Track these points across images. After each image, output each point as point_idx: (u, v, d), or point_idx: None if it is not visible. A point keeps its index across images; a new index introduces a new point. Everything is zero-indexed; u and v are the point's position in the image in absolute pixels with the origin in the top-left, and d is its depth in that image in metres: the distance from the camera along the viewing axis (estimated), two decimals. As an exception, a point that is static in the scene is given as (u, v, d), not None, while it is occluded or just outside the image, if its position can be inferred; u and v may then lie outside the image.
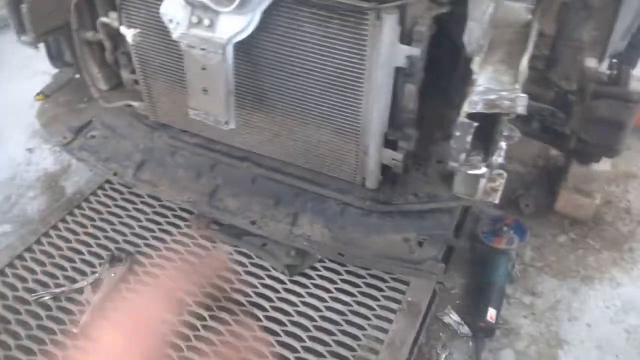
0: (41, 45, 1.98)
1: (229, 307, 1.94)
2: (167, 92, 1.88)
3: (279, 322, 1.90)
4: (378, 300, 1.97)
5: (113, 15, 1.77)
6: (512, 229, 2.20)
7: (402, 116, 1.61)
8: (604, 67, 2.28)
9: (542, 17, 1.94)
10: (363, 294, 1.99)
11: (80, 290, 1.99)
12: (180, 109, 1.79)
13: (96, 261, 2.10)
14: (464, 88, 1.67)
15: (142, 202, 2.31)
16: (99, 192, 2.37)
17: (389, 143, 1.69)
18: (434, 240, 1.74)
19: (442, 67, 1.88)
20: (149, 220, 2.25)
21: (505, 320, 2.02)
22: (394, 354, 1.75)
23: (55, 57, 2.13)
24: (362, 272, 2.03)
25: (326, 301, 1.97)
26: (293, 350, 1.81)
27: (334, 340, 1.83)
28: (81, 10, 1.87)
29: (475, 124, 1.31)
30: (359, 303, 1.96)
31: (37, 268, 2.05)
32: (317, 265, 2.07)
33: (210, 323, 1.88)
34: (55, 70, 2.28)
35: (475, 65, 1.45)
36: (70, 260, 2.11)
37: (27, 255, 2.14)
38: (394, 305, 1.95)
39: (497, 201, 1.69)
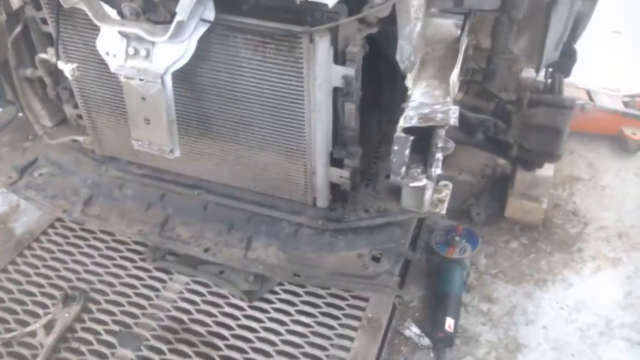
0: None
1: (188, 338, 1.91)
2: (111, 124, 1.87)
3: (240, 350, 1.88)
4: (339, 319, 1.97)
5: (51, 51, 1.76)
6: (464, 238, 2.25)
7: (345, 134, 1.65)
8: (541, 77, 2.40)
9: (477, 31, 2.03)
10: (324, 314, 1.99)
11: (33, 334, 1.92)
12: (125, 141, 1.78)
13: (49, 302, 2.05)
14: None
15: (95, 238, 2.27)
16: (50, 230, 2.32)
17: (336, 162, 1.72)
18: (388, 254, 1.76)
19: (383, 84, 1.94)
20: (102, 256, 2.21)
21: (464, 328, 2.05)
22: (356, 372, 1.76)
23: (-5, 96, 2.10)
24: (322, 291, 2.04)
25: (287, 324, 1.96)
26: (255, 376, 1.80)
27: (296, 363, 1.82)
28: (19, 47, 1.85)
29: (412, 138, 1.36)
30: (320, 324, 1.96)
31: (-13, 314, 1.99)
32: (277, 288, 2.06)
33: (170, 357, 1.85)
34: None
35: (408, 82, 1.51)
36: (22, 303, 2.05)
37: (-25, 300, 2.08)
38: (354, 323, 1.95)
39: (444, 212, 1.74)
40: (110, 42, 1.46)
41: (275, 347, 1.88)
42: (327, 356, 1.86)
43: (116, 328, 1.93)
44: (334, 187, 1.80)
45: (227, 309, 2.00)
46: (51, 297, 2.06)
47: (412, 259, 2.01)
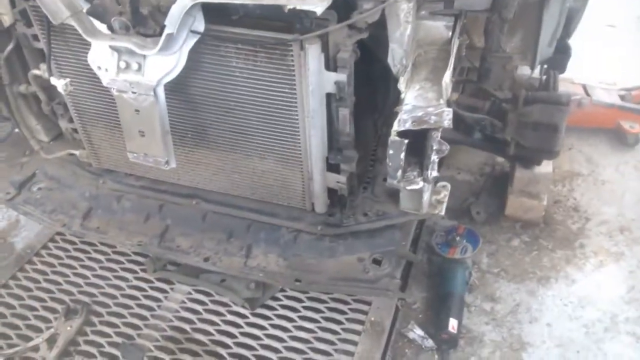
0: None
1: (192, 348, 1.91)
2: (107, 137, 1.87)
3: (244, 358, 1.88)
4: (342, 323, 1.97)
5: (43, 67, 1.76)
6: (465, 238, 2.24)
7: (340, 140, 1.64)
8: (537, 74, 2.39)
9: (471, 31, 2.03)
10: (327, 319, 1.99)
11: (35, 348, 1.93)
12: (122, 153, 1.78)
13: (51, 316, 2.05)
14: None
15: (96, 251, 2.27)
16: (50, 244, 2.32)
17: (332, 167, 1.72)
18: (389, 257, 1.76)
19: (377, 87, 1.94)
20: (103, 268, 2.21)
21: (468, 329, 2.04)
22: (360, 377, 1.75)
23: (-10, 113, 2.10)
24: (325, 297, 2.04)
25: (290, 331, 1.96)
26: (259, 384, 1.80)
27: (300, 370, 1.82)
28: (12, 64, 1.86)
29: (407, 141, 1.35)
30: (323, 329, 1.96)
31: (-12, 330, 1.99)
32: (279, 295, 2.06)
33: (173, 366, 1.85)
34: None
35: (401, 85, 1.50)
36: (24, 317, 2.06)
37: (-23, 317, 2.08)
38: (357, 327, 1.95)
39: (443, 212, 1.73)
40: (102, 56, 1.46)
41: (279, 354, 1.88)
42: (331, 361, 1.86)
43: (119, 340, 1.92)
44: (331, 192, 1.80)
45: (230, 317, 2.00)
46: (53, 311, 2.06)
47: (414, 260, 2.00)
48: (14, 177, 2.09)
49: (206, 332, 1.96)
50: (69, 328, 1.96)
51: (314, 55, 1.41)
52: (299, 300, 2.04)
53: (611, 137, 2.89)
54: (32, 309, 2.08)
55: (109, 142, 1.88)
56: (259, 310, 2.01)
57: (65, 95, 1.77)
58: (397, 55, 1.51)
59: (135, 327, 1.97)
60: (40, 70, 1.79)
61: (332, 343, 1.91)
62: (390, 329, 1.95)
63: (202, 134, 1.73)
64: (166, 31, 1.32)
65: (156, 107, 1.48)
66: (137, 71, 1.43)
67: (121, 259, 2.22)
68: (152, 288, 2.11)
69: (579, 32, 2.28)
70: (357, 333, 1.92)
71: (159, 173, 1.86)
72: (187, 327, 1.97)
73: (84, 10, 1.42)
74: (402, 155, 1.38)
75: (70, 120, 1.93)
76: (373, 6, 1.42)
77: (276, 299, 2.04)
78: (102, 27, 1.43)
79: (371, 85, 1.86)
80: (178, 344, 1.92)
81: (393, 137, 1.36)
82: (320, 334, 1.93)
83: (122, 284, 2.14)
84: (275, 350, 1.89)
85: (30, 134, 2.03)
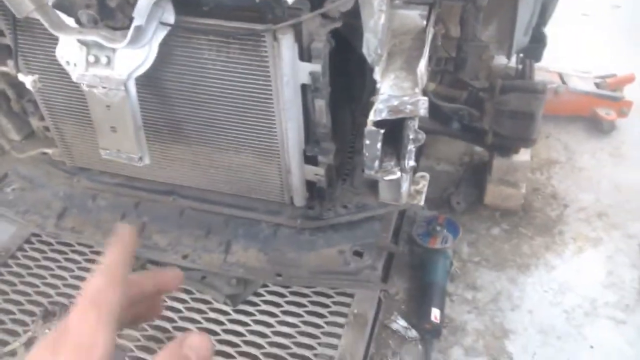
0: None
1: (173, 346, 1.89)
2: (79, 135, 1.83)
3: (227, 355, 1.86)
4: (325, 317, 1.96)
5: (11, 63, 1.71)
6: (445, 227, 2.25)
7: (317, 131, 1.63)
8: (512, 63, 2.40)
9: (446, 20, 2.02)
10: (310, 312, 1.97)
11: (13, 353, 1.89)
12: (95, 151, 1.74)
13: (29, 319, 2.01)
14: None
15: (73, 251, 2.23)
16: (26, 246, 2.27)
17: (310, 159, 1.70)
18: (369, 249, 1.75)
19: (353, 77, 1.92)
20: (81, 269, 2.17)
21: (451, 318, 2.05)
22: (344, 369, 1.75)
23: (-40, 112, 2.04)
24: (307, 290, 2.02)
25: (273, 326, 1.94)
26: (242, 381, 1.78)
27: (283, 365, 1.81)
28: (-22, 61, 1.80)
29: (382, 131, 1.34)
30: (307, 323, 1.95)
31: (-37, 335, 1.94)
32: (261, 290, 2.04)
33: (154, 366, 1.82)
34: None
35: (377, 75, 1.49)
36: (0, 322, 2.02)
37: (-49, 323, 2.03)
38: (341, 320, 1.94)
39: (422, 203, 1.73)
40: (70, 51, 1.42)
41: (263, 349, 1.87)
42: (315, 355, 1.85)
43: (98, 341, 1.89)
44: (310, 185, 1.78)
45: (212, 315, 1.97)
46: (31, 314, 2.02)
47: (395, 251, 2.00)
48: (-15, 178, 2.04)
49: (188, 330, 1.93)
50: (47, 331, 1.92)
51: (287, 45, 1.39)
52: (282, 295, 2.02)
53: (587, 124, 2.92)
54: (9, 312, 2.04)
55: (81, 140, 1.84)
56: (241, 307, 1.99)
57: (35, 92, 1.73)
58: (371, 44, 1.49)
59: (114, 327, 1.94)
60: (8, 67, 1.74)
61: (316, 337, 1.90)
62: (374, 321, 1.95)
63: (176, 128, 1.70)
64: (134, 23, 1.28)
65: (127, 101, 1.44)
66: (106, 65, 1.39)
67: (99, 259, 2.18)
68: (131, 287, 2.07)
69: (554, 21, 2.30)
70: (341, 326, 1.91)
71: (134, 170, 1.82)
72: (168, 325, 1.95)
73: (50, 3, 1.38)
74: (379, 145, 1.37)
75: (42, 118, 1.88)
76: (346, -6, 1.40)
77: (258, 294, 2.03)
78: (69, 20, 1.39)
79: (347, 75, 1.84)
80: (159, 343, 1.89)
81: (369, 127, 1.35)
82: (304, 328, 1.92)
83: (101, 284, 2.10)
84: (259, 346, 1.88)
85: (1, 133, 1.98)
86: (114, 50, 1.38)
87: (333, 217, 1.78)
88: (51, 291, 2.10)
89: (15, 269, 2.19)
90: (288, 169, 1.71)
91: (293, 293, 2.03)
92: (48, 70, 1.66)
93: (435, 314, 1.96)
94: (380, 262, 1.74)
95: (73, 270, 2.16)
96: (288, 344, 1.88)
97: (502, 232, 2.37)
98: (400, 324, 2.03)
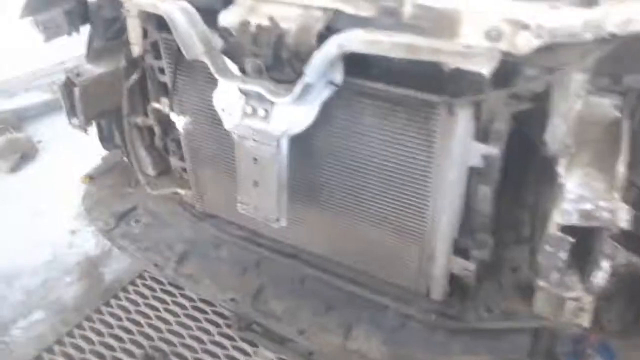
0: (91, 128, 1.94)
1: None
2: (215, 181, 1.77)
3: None
4: None
5: (165, 101, 1.70)
6: (598, 352, 1.88)
7: (475, 220, 1.41)
8: None
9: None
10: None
11: (107, 393, 1.81)
12: (228, 200, 1.66)
13: (127, 359, 1.95)
14: (539, 187, 1.48)
15: (182, 295, 2.16)
16: (138, 281, 2.25)
17: (460, 250, 1.48)
18: (510, 366, 1.48)
19: (514, 163, 1.69)
20: (187, 315, 2.09)
21: None
22: None
23: (106, 139, 2.09)
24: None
25: None
26: None
27: None
28: (133, 94, 1.82)
29: (572, 240, 1.10)
30: None
31: (65, 364, 1.91)
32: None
33: None
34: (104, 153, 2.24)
35: (561, 168, 1.26)
36: (101, 356, 1.96)
37: (57, 348, 2.01)
38: None
39: (586, 324, 1.44)
40: (228, 98, 1.36)
41: None
42: None
43: (193, 399, 1.76)
44: (452, 278, 1.56)
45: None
46: (130, 354, 1.96)
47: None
48: (116, 207, 2.04)
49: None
50: (143, 377, 1.83)
51: (464, 122, 1.22)
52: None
53: None
54: (110, 348, 1.99)
55: (216, 187, 1.78)
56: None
57: (182, 133, 1.69)
58: (559, 131, 1.27)
59: (211, 388, 1.81)
60: (161, 104, 1.74)
61: None
62: None
63: (315, 191, 1.57)
64: (305, 80, 1.18)
65: (276, 158, 1.34)
66: (263, 118, 1.30)
67: (206, 308, 2.09)
68: (234, 347, 1.95)
69: None
70: None
71: (263, 226, 1.71)
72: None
73: (218, 49, 1.33)
74: (563, 254, 1.12)
75: (181, 159, 1.86)
76: (537, 73, 1.21)
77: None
78: (233, 67, 1.33)
79: (507, 161, 1.62)
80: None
81: (554, 231, 1.12)
82: None
83: (204, 336, 2.00)
84: None
85: (139, 166, 1.98)
86: (273, 103, 1.28)
87: (474, 320, 1.53)
88: (154, 334, 2.03)
89: (124, 302, 2.16)
90: (431, 256, 1.50)
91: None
92: (200, 113, 1.62)
93: None
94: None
95: (179, 316, 2.09)
96: None
97: (669, 368, 1.95)
98: None
